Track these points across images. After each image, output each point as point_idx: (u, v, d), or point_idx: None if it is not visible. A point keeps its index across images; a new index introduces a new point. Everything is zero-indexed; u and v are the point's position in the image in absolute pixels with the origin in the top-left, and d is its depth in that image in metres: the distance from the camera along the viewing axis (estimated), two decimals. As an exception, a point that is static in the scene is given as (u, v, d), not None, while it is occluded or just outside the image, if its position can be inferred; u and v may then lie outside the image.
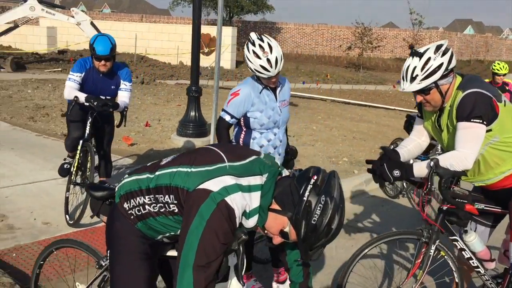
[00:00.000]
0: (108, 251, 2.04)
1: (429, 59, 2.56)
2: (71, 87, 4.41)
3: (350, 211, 5.50)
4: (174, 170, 1.88)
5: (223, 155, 1.89)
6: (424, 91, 2.61)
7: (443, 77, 2.58)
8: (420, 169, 2.63)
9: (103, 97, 4.46)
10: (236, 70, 19.90)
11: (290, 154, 3.68)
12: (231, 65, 20.69)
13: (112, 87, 4.60)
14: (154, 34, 21.61)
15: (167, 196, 1.86)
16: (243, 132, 3.32)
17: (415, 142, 3.00)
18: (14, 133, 7.70)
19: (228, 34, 20.18)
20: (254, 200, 1.82)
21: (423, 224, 2.89)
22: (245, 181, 1.81)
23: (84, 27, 16.32)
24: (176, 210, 1.86)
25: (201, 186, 1.77)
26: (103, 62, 4.38)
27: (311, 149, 7.95)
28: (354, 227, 5.06)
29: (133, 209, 1.95)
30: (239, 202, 1.76)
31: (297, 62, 26.00)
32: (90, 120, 4.50)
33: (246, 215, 1.82)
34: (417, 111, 3.01)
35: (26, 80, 13.18)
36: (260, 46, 3.06)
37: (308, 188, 1.75)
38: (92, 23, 16.51)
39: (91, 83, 4.52)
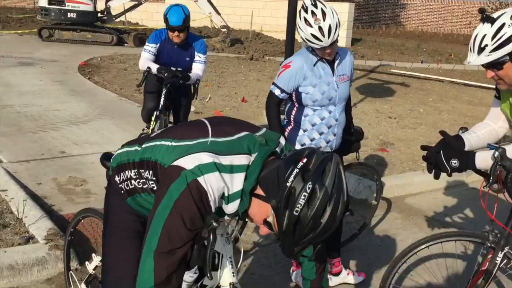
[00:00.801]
0: (103, 225, 1.95)
1: (502, 25, 2.05)
2: (145, 58, 4.45)
3: (440, 203, 4.94)
4: (158, 143, 1.72)
5: (209, 129, 1.67)
6: (496, 65, 2.11)
7: None
8: (484, 160, 2.16)
9: (174, 69, 4.44)
10: (350, 48, 19.16)
11: (355, 136, 3.33)
12: (346, 43, 19.97)
13: (187, 58, 4.56)
14: (270, 11, 21.56)
15: (147, 172, 1.70)
16: (295, 109, 3.05)
17: (489, 127, 2.49)
18: (119, 103, 8.14)
19: (344, 11, 19.45)
20: (236, 182, 1.57)
21: (491, 225, 2.40)
22: (226, 159, 1.57)
23: (201, 4, 16.74)
24: (155, 188, 1.69)
25: (175, 163, 1.57)
26: (176, 33, 4.34)
27: (411, 133, 7.31)
28: (439, 221, 4.52)
29: (122, 183, 1.82)
30: (214, 184, 1.53)
31: (420, 40, 24.33)
32: (164, 91, 4.53)
33: (225, 199, 1.59)
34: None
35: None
36: (313, 12, 2.75)
37: (294, 173, 1.46)
38: (209, 0, 16.89)
39: (166, 55, 4.53)
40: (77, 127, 6.48)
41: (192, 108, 7.57)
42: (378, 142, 6.66)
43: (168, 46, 4.51)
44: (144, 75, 4.46)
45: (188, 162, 1.55)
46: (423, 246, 2.47)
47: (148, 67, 4.38)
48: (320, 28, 2.73)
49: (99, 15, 16.45)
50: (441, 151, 2.26)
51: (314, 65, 2.92)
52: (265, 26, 21.13)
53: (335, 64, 2.97)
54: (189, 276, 1.89)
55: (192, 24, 22.41)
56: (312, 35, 2.75)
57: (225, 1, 22.45)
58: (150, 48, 4.47)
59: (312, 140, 3.01)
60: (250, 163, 1.59)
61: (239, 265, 1.73)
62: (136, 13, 21.38)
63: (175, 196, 1.51)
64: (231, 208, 1.59)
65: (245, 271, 3.53)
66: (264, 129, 1.79)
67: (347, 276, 3.39)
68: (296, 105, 3.03)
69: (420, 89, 11.60)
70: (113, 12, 16.97)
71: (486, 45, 2.08)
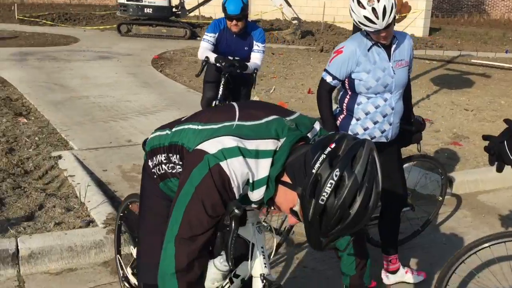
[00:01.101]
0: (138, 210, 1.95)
1: None
2: (204, 47, 4.47)
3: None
4: (186, 127, 1.67)
5: (237, 112, 1.60)
6: None
7: None
8: None
9: (231, 58, 4.41)
10: (427, 38, 18.29)
11: (415, 126, 3.12)
12: (423, 32, 19.08)
13: (245, 48, 4.52)
14: (343, 2, 21.07)
15: (175, 156, 1.66)
16: (348, 96, 2.90)
17: None
18: (187, 95, 8.30)
19: (423, -1, 18.62)
20: (261, 168, 1.49)
21: None
22: (251, 144, 1.49)
23: (276, -2, 16.68)
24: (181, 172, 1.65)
25: (198, 147, 1.52)
26: (234, 22, 4.31)
27: (488, 126, 6.82)
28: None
29: (155, 168, 1.80)
30: (238, 169, 1.46)
31: (506, 29, 22.72)
32: (223, 81, 4.52)
33: (250, 185, 1.51)
34: None
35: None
36: None
37: (321, 158, 1.36)
38: (280, -8, 16.80)
39: (224, 44, 4.52)
40: (145, 117, 6.67)
41: (256, 98, 7.57)
42: (451, 135, 6.28)
43: (226, 36, 4.49)
44: (202, 65, 4.48)
45: (211, 146, 1.49)
46: (484, 245, 2.26)
47: (206, 57, 4.39)
48: (373, 10, 2.57)
49: (173, 10, 16.90)
50: (505, 141, 2.04)
51: (369, 50, 2.77)
52: (338, 17, 20.69)
53: (392, 49, 2.80)
54: (223, 265, 1.84)
55: (264, 16, 22.54)
56: (365, 17, 2.60)
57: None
58: (209, 37, 4.48)
59: (365, 129, 2.86)
60: (277, 149, 1.51)
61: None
62: (209, 8, 21.71)
63: (196, 182, 1.46)
64: (256, 195, 1.52)
65: (297, 264, 3.44)
66: (297, 113, 1.70)
67: (405, 275, 3.21)
68: (349, 93, 2.89)
69: (502, 80, 10.83)
70: (187, 7, 17.38)
71: None
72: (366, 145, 1.39)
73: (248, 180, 1.49)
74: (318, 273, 3.32)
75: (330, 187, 1.32)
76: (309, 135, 1.61)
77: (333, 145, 1.37)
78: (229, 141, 1.49)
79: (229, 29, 4.42)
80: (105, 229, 3.45)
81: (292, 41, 16.33)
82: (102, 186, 4.36)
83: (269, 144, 1.51)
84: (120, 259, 2.71)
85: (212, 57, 4.38)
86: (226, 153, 1.46)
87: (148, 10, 16.20)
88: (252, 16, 22.00)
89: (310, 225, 1.39)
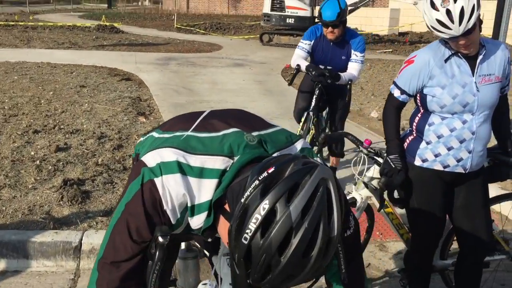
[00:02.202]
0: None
1: None
2: (297, 55, 4.26)
3: None
4: (150, 134, 1.52)
5: (198, 121, 1.39)
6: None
7: None
8: None
9: (323, 67, 4.13)
10: None
11: None
12: None
13: (343, 57, 4.19)
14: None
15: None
16: (419, 115, 2.46)
17: None
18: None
19: None
20: (204, 190, 1.24)
21: None
22: (196, 160, 1.26)
23: (422, 7, 15.71)
24: None
25: (142, 157, 1.34)
26: (330, 28, 4.03)
27: None
28: None
29: None
30: (173, 188, 1.23)
31: None
32: (317, 91, 4.26)
33: (189, 210, 1.27)
34: None
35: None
36: None
37: (253, 185, 1.08)
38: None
39: (320, 52, 4.25)
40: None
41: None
42: None
43: (323, 43, 4.22)
44: (293, 73, 4.27)
45: (150, 159, 1.30)
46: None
47: (298, 65, 4.18)
48: (448, 12, 2.13)
49: (316, 20, 16.87)
50: None
51: (446, 60, 2.30)
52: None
53: (478, 61, 2.30)
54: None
55: (413, 28, 21.39)
56: (438, 20, 2.17)
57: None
58: (303, 45, 4.25)
59: (436, 155, 2.39)
60: (227, 168, 1.26)
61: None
62: (355, 19, 21.31)
63: (127, 198, 1.28)
64: (196, 222, 1.28)
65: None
66: (275, 128, 1.42)
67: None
68: (421, 110, 2.45)
69: None
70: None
71: None
72: (317, 172, 1.06)
73: (186, 203, 1.27)
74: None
75: (255, 222, 1.04)
76: (277, 154, 1.32)
77: (271, 169, 1.08)
78: (169, 154, 1.28)
79: (326, 37, 4.15)
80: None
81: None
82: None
83: (217, 162, 1.26)
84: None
85: (303, 65, 4.15)
86: (163, 168, 1.25)
87: (290, 20, 16.40)
88: (400, 28, 21.00)
89: (237, 267, 1.11)
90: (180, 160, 1.26)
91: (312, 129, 4.30)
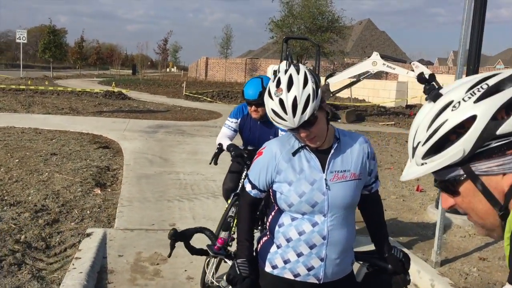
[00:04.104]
0: None
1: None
2: (223, 133, 4.03)
3: None
4: None
5: None
6: None
7: None
8: None
9: (251, 147, 3.89)
10: None
11: (391, 263, 2.16)
12: None
13: (271, 136, 3.94)
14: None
15: None
16: (273, 213, 2.14)
17: None
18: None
19: None
20: None
21: None
22: None
23: (419, 70, 15.62)
24: None
25: None
26: (253, 107, 3.81)
27: None
28: None
29: None
30: None
31: None
32: (245, 172, 3.98)
33: None
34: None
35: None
36: (279, 80, 1.93)
37: None
38: (432, 75, 15.64)
39: (248, 131, 4.02)
40: (213, 200, 6.35)
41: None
42: None
43: (250, 122, 3.99)
44: (215, 152, 4.02)
45: None
46: None
47: (220, 144, 3.93)
48: (281, 102, 1.88)
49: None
50: None
51: (295, 154, 2.02)
52: None
53: (329, 155, 2.00)
54: None
55: (422, 101, 21.16)
56: (273, 110, 1.91)
57: (441, 76, 20.58)
58: (230, 123, 4.03)
59: (286, 262, 2.04)
60: None
61: None
62: (363, 90, 21.38)
63: None
64: None
65: None
66: None
67: None
68: (275, 208, 2.13)
69: None
70: (332, 89, 17.20)
71: None
72: None
73: None
74: None
75: None
76: None
77: None
78: None
79: (252, 115, 3.93)
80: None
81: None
82: (101, 273, 4.06)
83: None
84: None
85: (226, 144, 3.91)
86: None
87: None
88: (410, 100, 20.88)
89: None
90: None
91: (229, 209, 3.98)
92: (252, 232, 2.17)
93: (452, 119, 1.01)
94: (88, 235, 4.75)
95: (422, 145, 1.06)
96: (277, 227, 2.07)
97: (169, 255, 2.28)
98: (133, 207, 5.83)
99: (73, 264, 4.08)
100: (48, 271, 4.02)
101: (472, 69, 5.71)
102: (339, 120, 16.25)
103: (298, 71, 1.91)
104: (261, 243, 2.16)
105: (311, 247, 1.99)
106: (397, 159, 9.78)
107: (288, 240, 2.02)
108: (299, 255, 2.01)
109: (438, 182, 1.09)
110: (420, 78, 1.57)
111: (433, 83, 1.45)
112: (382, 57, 16.29)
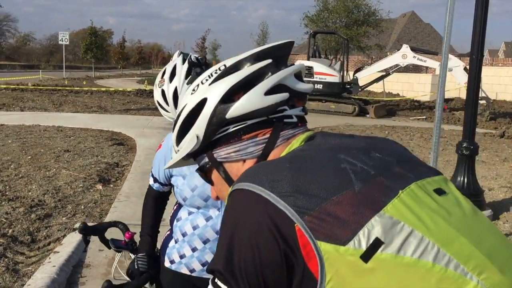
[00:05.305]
0: None
1: None
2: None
3: None
4: None
5: None
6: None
7: None
8: None
9: None
10: None
11: None
12: None
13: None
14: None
15: None
16: (175, 207, 2.08)
17: None
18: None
19: None
20: None
21: None
22: None
23: (457, 73, 15.04)
24: None
25: None
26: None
27: None
28: None
29: None
30: None
31: None
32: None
33: None
34: None
35: (371, 126, 13.18)
36: (164, 70, 1.87)
37: None
38: (465, 69, 15.05)
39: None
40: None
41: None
42: None
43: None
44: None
45: None
46: None
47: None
48: (163, 93, 1.82)
49: (346, 86, 16.56)
50: None
51: (188, 147, 1.94)
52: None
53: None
54: None
55: (461, 93, 20.54)
56: (157, 101, 1.86)
57: (489, 69, 19.63)
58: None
59: (181, 257, 1.97)
60: None
61: None
62: (397, 84, 20.84)
63: None
64: None
65: None
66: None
67: None
68: (176, 202, 2.07)
69: None
70: (361, 83, 16.85)
71: None
72: None
73: None
74: None
75: None
76: None
77: None
78: None
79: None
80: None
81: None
82: (76, 267, 4.10)
83: None
84: None
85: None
86: None
87: (318, 86, 16.23)
88: (447, 93, 20.19)
89: None
90: None
91: None
92: (156, 227, 2.12)
93: (190, 103, 0.95)
94: (75, 229, 4.82)
95: (173, 131, 1.00)
96: (175, 221, 2.01)
97: (85, 250, 2.26)
98: (129, 202, 5.87)
99: (49, 258, 4.14)
100: (25, 264, 4.10)
101: (476, 60, 5.48)
102: (367, 116, 15.89)
103: (183, 61, 1.84)
104: (164, 238, 2.10)
105: (205, 242, 1.92)
106: (416, 154, 9.43)
107: (183, 235, 1.96)
108: (193, 250, 1.94)
109: (196, 170, 1.01)
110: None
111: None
112: (413, 49, 15.82)
